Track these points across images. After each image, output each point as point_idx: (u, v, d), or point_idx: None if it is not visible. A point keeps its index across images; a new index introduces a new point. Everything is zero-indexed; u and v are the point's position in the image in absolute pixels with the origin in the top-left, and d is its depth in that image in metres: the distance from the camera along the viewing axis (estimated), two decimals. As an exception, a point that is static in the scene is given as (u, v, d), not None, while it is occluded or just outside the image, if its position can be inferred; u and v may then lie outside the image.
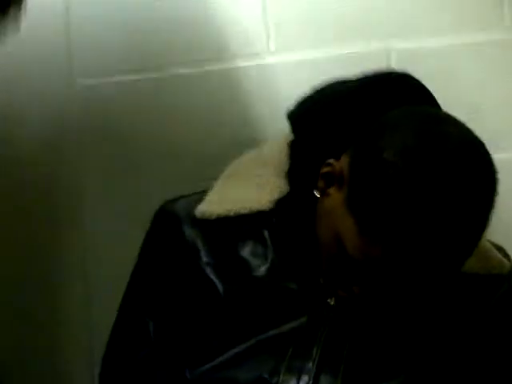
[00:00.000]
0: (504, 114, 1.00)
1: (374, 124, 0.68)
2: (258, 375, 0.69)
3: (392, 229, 0.62)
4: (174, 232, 0.77)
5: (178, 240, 0.76)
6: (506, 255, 0.78)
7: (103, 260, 1.04)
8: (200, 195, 0.79)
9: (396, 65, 1.00)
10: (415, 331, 0.72)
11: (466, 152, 0.63)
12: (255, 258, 0.74)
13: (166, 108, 1.04)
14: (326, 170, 0.69)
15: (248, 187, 0.76)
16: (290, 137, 0.80)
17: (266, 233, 0.75)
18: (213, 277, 0.74)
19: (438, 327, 0.72)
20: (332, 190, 0.69)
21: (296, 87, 0.85)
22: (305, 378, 0.68)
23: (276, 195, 0.75)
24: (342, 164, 0.68)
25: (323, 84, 0.81)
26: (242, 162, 0.81)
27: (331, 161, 0.69)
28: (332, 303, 0.71)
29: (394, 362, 0.70)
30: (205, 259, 0.75)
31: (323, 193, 0.70)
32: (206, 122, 1.04)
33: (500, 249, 0.79)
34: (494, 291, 0.74)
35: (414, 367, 0.70)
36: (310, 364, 0.69)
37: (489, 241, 0.78)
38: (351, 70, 0.83)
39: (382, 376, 0.70)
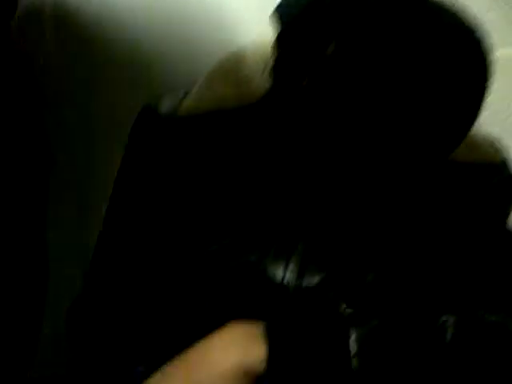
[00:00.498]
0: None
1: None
2: (244, 259, 0.68)
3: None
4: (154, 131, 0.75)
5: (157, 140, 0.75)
6: (498, 148, 0.77)
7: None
8: (186, 90, 0.77)
9: None
10: (400, 224, 0.71)
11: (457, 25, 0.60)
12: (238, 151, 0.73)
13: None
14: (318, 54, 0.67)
15: (233, 82, 0.74)
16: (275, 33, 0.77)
17: (251, 125, 0.73)
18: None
19: (425, 219, 0.71)
20: None
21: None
22: (291, 266, 0.68)
23: (261, 91, 0.73)
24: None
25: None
26: (228, 59, 0.79)
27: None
28: None
29: (377, 254, 0.70)
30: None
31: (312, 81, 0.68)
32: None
33: (494, 141, 0.77)
34: (487, 180, 0.73)
35: (394, 259, 0.70)
36: (299, 247, 0.69)
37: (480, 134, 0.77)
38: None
39: (367, 266, 0.69)
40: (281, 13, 0.78)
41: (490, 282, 0.72)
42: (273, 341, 0.62)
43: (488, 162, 0.72)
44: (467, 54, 0.60)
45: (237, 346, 0.63)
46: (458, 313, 0.67)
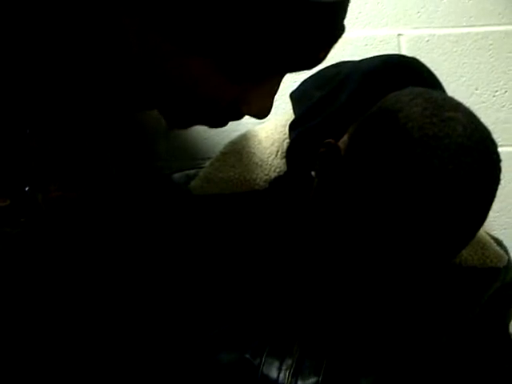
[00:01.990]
0: (509, 106, 0.98)
1: (377, 105, 0.66)
2: (240, 356, 0.67)
3: (386, 208, 0.60)
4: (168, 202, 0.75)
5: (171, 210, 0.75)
6: (505, 250, 0.76)
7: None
8: (196, 170, 0.77)
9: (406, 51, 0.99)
10: (402, 325, 0.70)
11: (468, 141, 0.60)
12: (245, 237, 0.73)
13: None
14: (323, 149, 0.67)
15: (245, 165, 0.75)
16: (291, 116, 0.78)
17: (258, 211, 0.73)
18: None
19: (427, 321, 0.70)
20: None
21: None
22: (288, 361, 0.67)
23: (273, 175, 0.73)
24: (340, 143, 0.66)
25: (330, 65, 0.79)
26: (241, 140, 0.79)
27: (330, 140, 0.67)
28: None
29: (372, 358, 0.69)
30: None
31: (320, 173, 0.68)
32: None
33: (499, 242, 0.77)
34: (488, 285, 0.72)
35: (395, 363, 0.69)
36: (294, 348, 0.68)
37: (488, 234, 0.76)
38: (361, 55, 0.81)
39: (361, 371, 0.68)
40: (296, 98, 0.79)
41: None
42: None
43: (491, 266, 0.72)
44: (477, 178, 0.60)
45: None
46: None
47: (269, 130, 0.78)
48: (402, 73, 0.73)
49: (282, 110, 0.82)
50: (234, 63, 0.54)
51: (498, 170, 0.63)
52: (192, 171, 0.78)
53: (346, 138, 0.66)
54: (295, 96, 0.79)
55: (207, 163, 0.78)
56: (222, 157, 0.78)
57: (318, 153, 0.68)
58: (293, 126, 0.76)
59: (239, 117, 0.61)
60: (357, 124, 0.66)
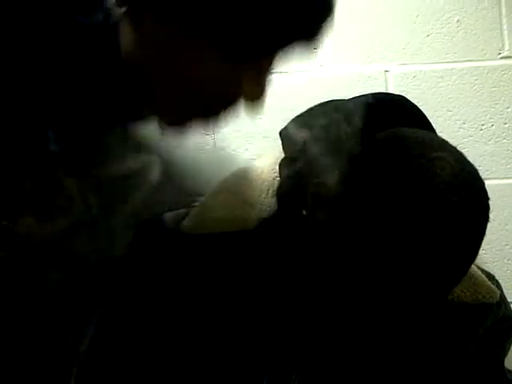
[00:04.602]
0: (496, 140, 1.00)
1: (365, 144, 0.67)
2: None
3: (379, 248, 0.60)
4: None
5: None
6: (497, 285, 0.77)
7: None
8: (187, 209, 0.78)
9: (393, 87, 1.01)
10: (398, 360, 0.70)
11: (456, 180, 0.61)
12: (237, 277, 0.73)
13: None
14: (314, 189, 0.68)
15: (236, 205, 0.75)
16: (281, 154, 0.79)
17: (249, 250, 0.73)
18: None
19: (422, 358, 0.70)
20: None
21: (293, 107, 0.86)
22: None
23: (264, 214, 0.74)
24: None
25: (318, 104, 0.80)
26: (232, 178, 0.80)
27: (319, 180, 0.68)
28: None
29: None
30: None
31: (311, 213, 0.69)
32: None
33: (491, 277, 0.77)
34: (481, 321, 0.72)
35: None
36: (293, 377, 0.67)
37: (479, 268, 0.77)
38: (349, 91, 0.83)
39: None
40: (285, 136, 0.80)
41: None
42: None
43: (484, 302, 0.72)
44: (467, 210, 0.61)
45: None
46: None
47: (259, 169, 0.79)
48: (390, 111, 0.74)
49: (273, 148, 0.84)
50: (227, 42, 0.54)
51: (487, 207, 0.63)
52: (183, 211, 0.78)
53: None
54: (284, 134, 0.80)
55: (198, 202, 0.78)
56: (213, 196, 0.78)
57: (310, 192, 0.68)
58: (283, 165, 0.77)
59: (233, 100, 0.61)
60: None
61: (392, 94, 0.81)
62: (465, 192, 0.60)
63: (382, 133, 0.67)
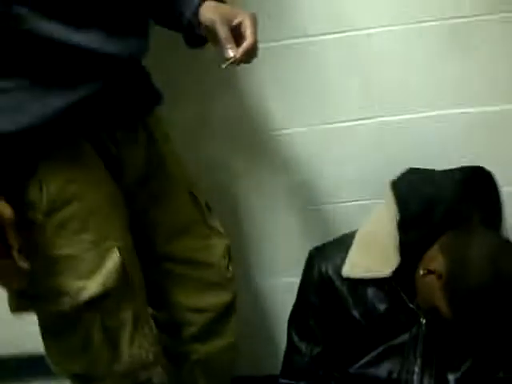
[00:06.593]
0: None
1: (460, 233, 1.06)
2: (390, 374, 1.13)
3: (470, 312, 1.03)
4: (328, 288, 1.19)
5: (331, 292, 1.19)
6: None
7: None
8: (343, 254, 1.17)
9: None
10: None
11: None
12: (379, 302, 1.16)
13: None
14: (423, 272, 1.06)
15: (376, 257, 1.13)
16: (395, 211, 1.15)
17: (386, 288, 1.14)
18: (356, 315, 1.17)
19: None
20: (432, 277, 1.06)
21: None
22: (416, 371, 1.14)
23: (394, 266, 1.11)
24: (437, 265, 1.04)
25: (419, 170, 1.16)
26: (368, 235, 1.17)
27: (430, 268, 1.05)
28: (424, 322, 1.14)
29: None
30: (351, 304, 1.17)
31: (425, 274, 1.07)
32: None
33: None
34: None
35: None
36: (418, 363, 1.14)
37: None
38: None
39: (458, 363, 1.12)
40: (400, 197, 1.16)
41: None
42: None
43: None
44: None
45: None
46: None
47: (383, 229, 1.15)
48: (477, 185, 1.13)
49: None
50: None
51: None
52: (341, 254, 1.19)
53: (440, 257, 1.04)
54: (399, 193, 1.17)
55: (351, 248, 1.18)
56: (360, 247, 1.16)
57: (419, 275, 1.08)
58: (401, 228, 1.13)
59: None
60: (447, 254, 1.04)
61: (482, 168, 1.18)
62: None
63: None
